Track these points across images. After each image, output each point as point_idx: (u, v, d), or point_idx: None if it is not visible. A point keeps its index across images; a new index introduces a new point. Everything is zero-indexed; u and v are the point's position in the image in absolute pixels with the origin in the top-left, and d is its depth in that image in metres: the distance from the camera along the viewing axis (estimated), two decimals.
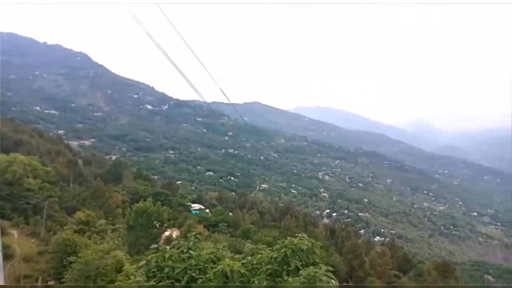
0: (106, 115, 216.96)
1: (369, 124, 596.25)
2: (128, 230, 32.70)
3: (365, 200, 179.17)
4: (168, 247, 5.68)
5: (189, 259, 5.44)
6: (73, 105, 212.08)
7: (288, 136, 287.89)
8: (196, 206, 73.66)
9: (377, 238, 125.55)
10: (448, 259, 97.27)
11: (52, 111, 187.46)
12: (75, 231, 26.86)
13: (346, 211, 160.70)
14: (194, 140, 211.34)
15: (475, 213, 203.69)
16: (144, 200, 35.09)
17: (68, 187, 50.17)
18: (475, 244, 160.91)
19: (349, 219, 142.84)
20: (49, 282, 21.79)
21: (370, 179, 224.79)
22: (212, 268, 5.15)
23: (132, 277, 5.99)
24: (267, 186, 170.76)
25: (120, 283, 7.78)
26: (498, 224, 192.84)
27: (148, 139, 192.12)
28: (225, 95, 12.50)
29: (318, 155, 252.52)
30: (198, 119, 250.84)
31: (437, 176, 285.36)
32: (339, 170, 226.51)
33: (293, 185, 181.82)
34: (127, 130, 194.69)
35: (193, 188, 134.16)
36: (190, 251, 5.58)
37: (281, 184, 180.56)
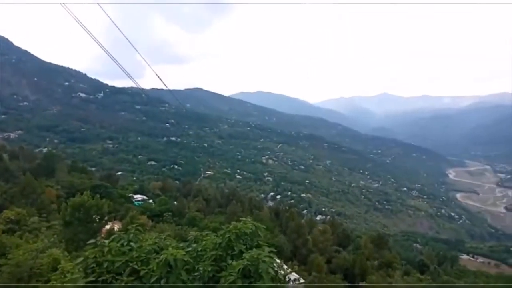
0: (33, 105, 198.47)
1: (308, 108, 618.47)
2: (64, 226, 30.63)
3: (307, 181, 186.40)
4: (107, 241, 5.51)
5: (130, 252, 5.34)
6: None
7: (232, 122, 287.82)
8: (138, 197, 71.24)
9: (318, 217, 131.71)
10: (382, 231, 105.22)
11: None
12: (3, 231, 24.64)
13: (289, 193, 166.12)
14: (133, 128, 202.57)
15: (405, 188, 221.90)
16: (81, 194, 33.06)
17: None
18: (405, 216, 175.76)
19: (292, 201, 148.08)
20: None
21: (311, 161, 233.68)
22: (155, 258, 5.09)
23: (68, 274, 5.70)
24: (212, 173, 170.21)
25: (54, 282, 7.34)
26: (424, 197, 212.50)
27: (82, 129, 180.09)
28: (162, 81, 12.14)
29: (262, 140, 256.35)
30: (137, 106, 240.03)
31: (371, 155, 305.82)
32: (282, 153, 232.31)
33: (238, 171, 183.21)
34: (58, 120, 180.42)
35: (135, 178, 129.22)
36: (131, 243, 5.49)
37: (226, 170, 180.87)
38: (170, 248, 5.17)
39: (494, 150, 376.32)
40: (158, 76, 12.04)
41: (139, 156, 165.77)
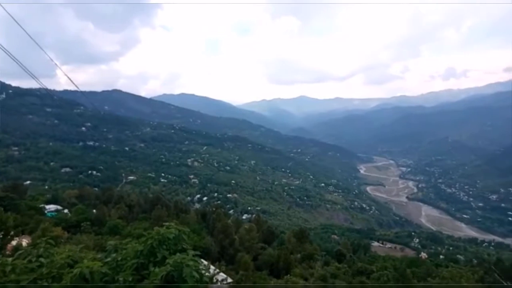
0: None
1: (232, 110, 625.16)
2: None
3: (233, 181, 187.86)
4: (10, 259, 5.05)
5: (39, 268, 4.93)
6: None
7: (154, 124, 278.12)
8: (51, 207, 65.04)
9: (244, 216, 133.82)
10: (303, 226, 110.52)
11: None
12: None
13: (216, 194, 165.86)
14: (43, 133, 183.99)
15: (322, 184, 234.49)
16: None
17: None
18: (323, 210, 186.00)
19: (219, 201, 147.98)
20: None
21: (236, 162, 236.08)
22: (68, 273, 4.73)
23: None
24: (134, 178, 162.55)
25: None
26: (340, 191, 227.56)
27: None
28: (72, 81, 11.75)
29: (186, 142, 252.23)
30: (48, 109, 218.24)
31: (292, 155, 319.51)
32: (207, 155, 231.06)
33: (163, 174, 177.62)
34: None
35: (47, 187, 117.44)
36: (41, 259, 5.09)
37: (149, 174, 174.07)
38: (85, 261, 4.90)
39: (396, 146, 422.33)
40: (68, 76, 11.65)
41: (51, 163, 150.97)
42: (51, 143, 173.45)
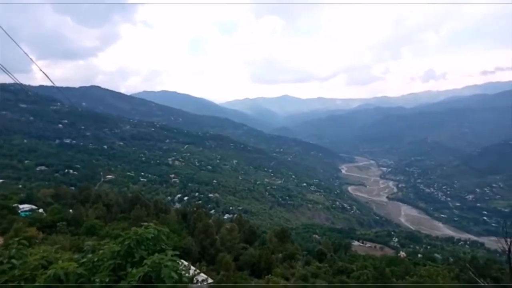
0: None
1: (214, 108, 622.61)
2: None
3: (214, 181, 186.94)
4: None
5: (11, 270, 4.72)
6: None
7: (134, 122, 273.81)
8: (25, 206, 62.76)
9: (226, 216, 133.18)
10: (285, 226, 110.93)
11: None
12: None
13: (197, 194, 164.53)
14: (18, 130, 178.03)
15: (304, 184, 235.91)
16: None
17: None
18: (305, 210, 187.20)
19: (200, 201, 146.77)
20: None
21: (218, 161, 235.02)
22: (42, 274, 4.56)
23: None
24: (113, 177, 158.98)
25: None
26: (322, 191, 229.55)
27: None
28: (47, 76, 11.13)
29: (167, 140, 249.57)
30: (22, 105, 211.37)
31: (274, 154, 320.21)
32: (189, 154, 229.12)
33: (142, 173, 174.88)
34: None
35: (21, 186, 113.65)
36: (13, 260, 4.86)
37: (129, 173, 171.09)
38: (60, 262, 4.70)
39: (377, 146, 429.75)
40: (43, 71, 11.07)
41: (26, 161, 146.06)
42: (25, 140, 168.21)
